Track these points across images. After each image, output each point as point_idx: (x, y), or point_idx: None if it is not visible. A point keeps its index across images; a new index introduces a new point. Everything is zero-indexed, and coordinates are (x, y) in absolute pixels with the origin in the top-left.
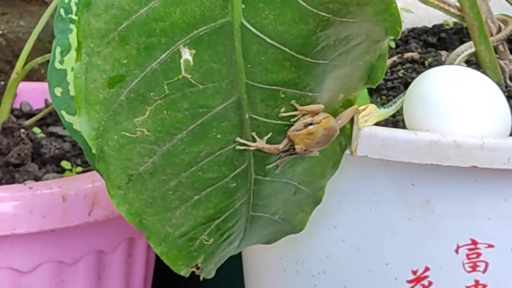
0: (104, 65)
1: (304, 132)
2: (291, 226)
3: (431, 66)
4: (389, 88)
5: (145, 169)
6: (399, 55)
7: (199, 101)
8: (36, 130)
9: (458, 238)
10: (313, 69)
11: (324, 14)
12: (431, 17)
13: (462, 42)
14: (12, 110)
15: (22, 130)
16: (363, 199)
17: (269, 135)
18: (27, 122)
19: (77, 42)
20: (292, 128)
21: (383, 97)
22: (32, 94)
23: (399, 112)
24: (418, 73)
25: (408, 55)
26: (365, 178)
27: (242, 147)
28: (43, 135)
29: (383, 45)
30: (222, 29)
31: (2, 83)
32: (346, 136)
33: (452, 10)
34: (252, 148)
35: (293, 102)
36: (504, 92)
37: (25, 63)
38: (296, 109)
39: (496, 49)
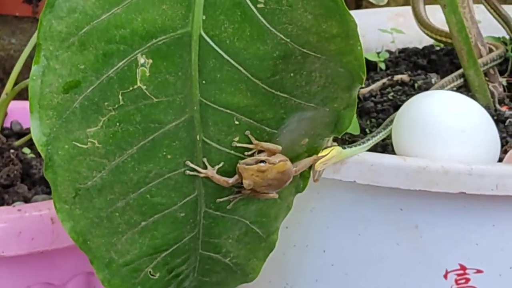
0: (62, 69)
1: (254, 167)
2: (244, 273)
3: (420, 89)
4: (378, 110)
5: (93, 184)
6: (389, 77)
7: (152, 115)
8: (26, 150)
9: (446, 263)
10: (270, 99)
11: (282, 36)
12: (421, 37)
13: (452, 63)
14: (3, 129)
15: (12, 151)
16: (351, 224)
17: (220, 165)
18: (16, 143)
19: (37, 44)
20: (243, 161)
21: (373, 120)
22: (22, 113)
23: (389, 136)
24: (408, 95)
25: (398, 77)
26: (354, 203)
27: (192, 173)
28: (33, 155)
29: (352, 94)
30: (180, 40)
31: None
32: (304, 178)
33: (439, 38)
34: (202, 175)
35: (247, 133)
36: (493, 116)
37: (16, 81)
38: (251, 142)
39: (486, 72)
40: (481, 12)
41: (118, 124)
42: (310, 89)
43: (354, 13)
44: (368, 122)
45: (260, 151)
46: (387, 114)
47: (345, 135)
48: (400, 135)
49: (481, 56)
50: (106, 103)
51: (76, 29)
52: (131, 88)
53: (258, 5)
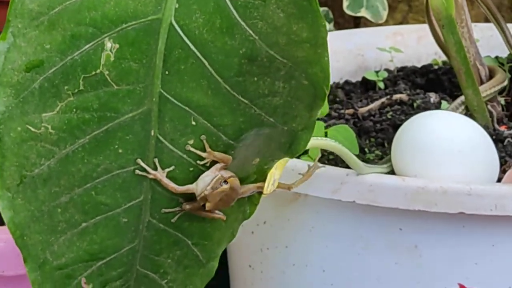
0: (27, 47)
1: (219, 190)
2: None
3: (419, 108)
4: (378, 130)
5: (39, 173)
6: (388, 96)
7: (110, 103)
8: None
9: (445, 283)
10: (230, 103)
11: (251, 32)
12: (420, 55)
13: (450, 82)
14: None
15: None
16: (350, 243)
17: (171, 168)
18: None
19: (6, 21)
20: (210, 186)
21: (372, 139)
22: None
23: (388, 155)
24: (407, 115)
25: (396, 96)
26: (353, 223)
27: (141, 173)
28: None
29: (313, 115)
30: (149, 26)
31: None
32: (252, 205)
33: None
34: (150, 176)
35: (203, 137)
36: (492, 135)
37: None
38: (205, 150)
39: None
40: (479, 31)
41: (74, 110)
42: (272, 100)
43: (352, 31)
44: (367, 142)
45: (212, 162)
46: (386, 134)
47: None
48: (399, 156)
49: (479, 76)
50: (66, 87)
51: (48, 8)
52: (93, 73)
53: None
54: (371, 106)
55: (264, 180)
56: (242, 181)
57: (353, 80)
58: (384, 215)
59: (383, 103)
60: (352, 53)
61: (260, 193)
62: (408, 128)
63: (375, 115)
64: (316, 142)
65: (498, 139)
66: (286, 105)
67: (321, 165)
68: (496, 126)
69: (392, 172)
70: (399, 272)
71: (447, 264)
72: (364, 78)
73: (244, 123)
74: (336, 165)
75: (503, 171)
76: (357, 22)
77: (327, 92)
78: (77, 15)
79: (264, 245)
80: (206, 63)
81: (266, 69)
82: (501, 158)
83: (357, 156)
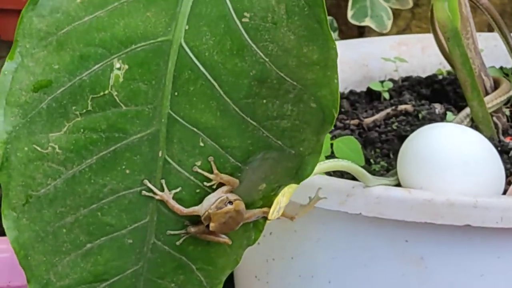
0: (35, 67)
1: (223, 210)
2: None
3: (424, 119)
4: (383, 141)
5: (45, 193)
6: (393, 107)
7: (117, 124)
8: None
9: None
10: (239, 124)
11: (261, 54)
12: (424, 65)
13: (455, 93)
14: None
15: None
16: (357, 255)
17: (178, 189)
18: None
19: (14, 41)
20: (214, 205)
21: (377, 150)
22: None
23: (393, 166)
24: (412, 126)
25: (402, 107)
26: (359, 235)
27: (148, 193)
28: None
29: (320, 139)
30: (159, 48)
31: None
32: (257, 231)
33: None
34: (157, 197)
35: (211, 159)
36: (497, 147)
37: None
38: (212, 171)
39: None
40: (483, 40)
41: (82, 130)
42: (280, 122)
43: (357, 41)
44: (372, 152)
45: (219, 185)
46: (392, 144)
47: None
48: (405, 168)
49: (484, 87)
50: (74, 107)
51: (57, 28)
52: (101, 93)
53: (243, 19)
54: (376, 116)
55: (270, 206)
56: (248, 207)
57: (358, 90)
58: (390, 227)
59: (388, 113)
60: (357, 63)
61: (265, 218)
62: (414, 141)
63: (380, 126)
64: (325, 165)
65: (503, 151)
66: (294, 128)
67: (322, 196)
68: (502, 137)
69: (398, 184)
70: (405, 284)
71: (453, 276)
72: (369, 88)
73: (252, 145)
74: (341, 176)
75: (508, 183)
76: (362, 31)
77: (336, 116)
78: (86, 35)
79: (270, 256)
80: (216, 85)
81: (275, 91)
82: (506, 169)
83: (362, 167)
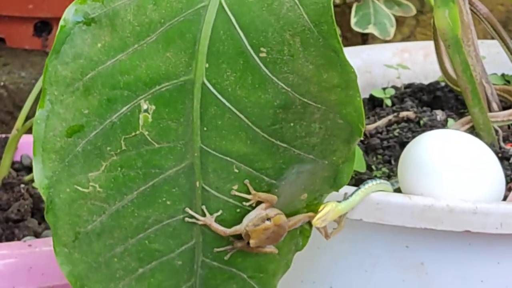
0: (66, 113)
1: (261, 227)
2: None
3: (426, 126)
4: (385, 147)
5: (92, 228)
6: (395, 114)
7: (152, 161)
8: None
9: None
10: (269, 148)
11: (283, 85)
12: (427, 72)
13: (457, 100)
14: (13, 163)
15: (22, 186)
16: (358, 261)
17: (219, 213)
18: (26, 178)
19: (42, 89)
20: (251, 223)
21: (379, 156)
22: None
23: (394, 172)
24: (414, 132)
25: (403, 114)
26: (360, 240)
27: (190, 220)
28: None
29: (351, 148)
30: (183, 87)
31: (3, 135)
32: (304, 237)
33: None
34: (200, 223)
35: (246, 181)
36: (497, 153)
37: (28, 115)
38: (249, 192)
39: (489, 108)
40: (485, 47)
41: (119, 168)
42: (310, 140)
43: (360, 48)
44: (374, 159)
45: (258, 202)
46: (393, 151)
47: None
48: (406, 174)
49: (485, 94)
50: (108, 148)
51: (81, 74)
52: (133, 134)
53: (261, 54)
54: (378, 123)
55: (315, 212)
56: (292, 216)
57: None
58: (391, 233)
59: (390, 120)
60: (360, 70)
61: (310, 224)
62: (414, 147)
63: (382, 132)
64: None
65: (504, 157)
66: (324, 142)
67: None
68: (502, 144)
69: (398, 190)
70: None
71: (453, 281)
72: (371, 95)
73: (284, 164)
74: None
75: (508, 189)
76: (365, 38)
77: (363, 129)
78: (110, 79)
79: None
80: (242, 117)
81: (301, 115)
82: (506, 176)
83: (364, 173)
